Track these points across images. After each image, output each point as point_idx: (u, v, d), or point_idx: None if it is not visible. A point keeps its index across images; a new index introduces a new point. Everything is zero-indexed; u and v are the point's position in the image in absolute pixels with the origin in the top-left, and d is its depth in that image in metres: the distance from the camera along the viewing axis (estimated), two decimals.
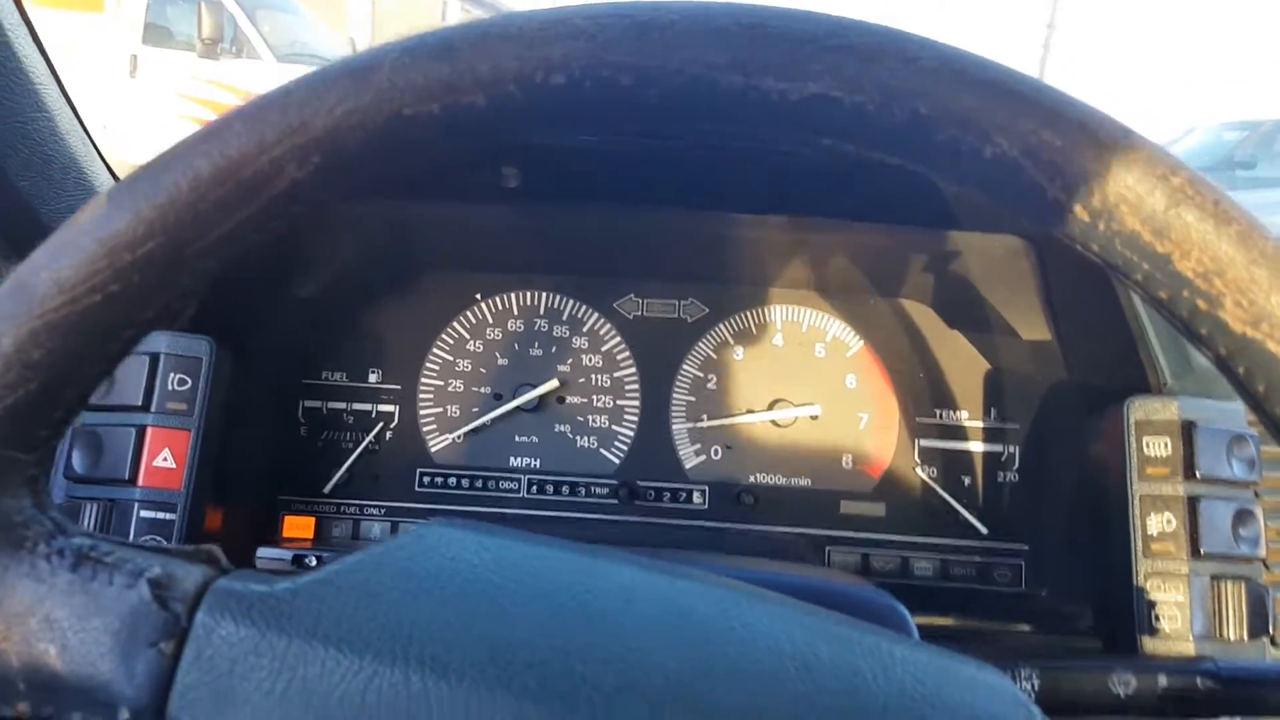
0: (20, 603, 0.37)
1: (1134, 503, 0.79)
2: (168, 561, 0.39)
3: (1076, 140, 0.36)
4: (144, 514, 0.80)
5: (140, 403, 0.81)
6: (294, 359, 1.06)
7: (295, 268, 0.97)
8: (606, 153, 0.83)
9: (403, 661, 0.37)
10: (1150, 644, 0.76)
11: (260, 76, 7.11)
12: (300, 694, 0.36)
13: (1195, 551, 0.78)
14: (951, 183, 0.39)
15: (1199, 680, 0.62)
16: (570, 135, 0.41)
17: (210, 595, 0.38)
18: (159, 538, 0.81)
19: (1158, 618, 0.78)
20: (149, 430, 0.81)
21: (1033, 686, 0.63)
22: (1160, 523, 0.78)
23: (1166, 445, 0.79)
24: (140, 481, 0.81)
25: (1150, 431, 0.80)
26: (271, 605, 0.38)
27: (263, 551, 0.95)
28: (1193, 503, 0.78)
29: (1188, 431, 0.79)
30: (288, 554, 0.95)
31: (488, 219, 1.00)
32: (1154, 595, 0.78)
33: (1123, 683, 0.63)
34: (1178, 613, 0.77)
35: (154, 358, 0.82)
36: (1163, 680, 0.62)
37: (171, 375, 0.82)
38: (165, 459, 0.81)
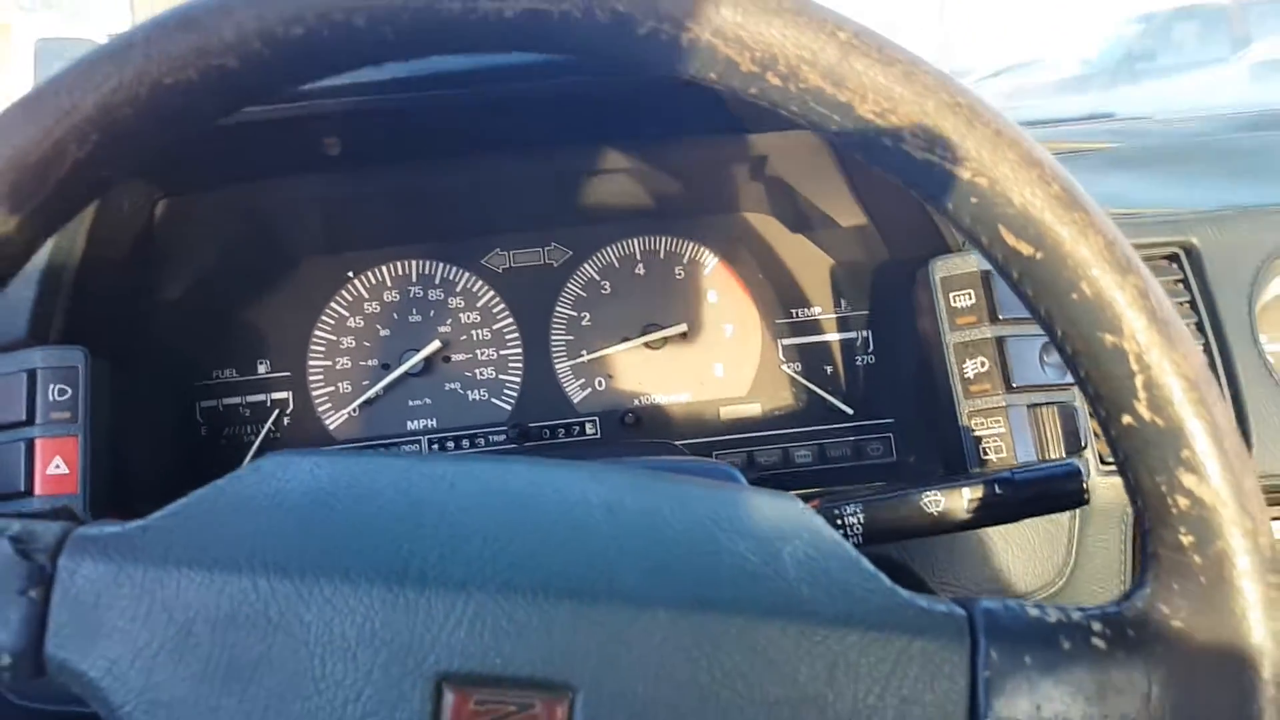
0: None
1: (949, 351, 0.88)
2: (28, 522, 0.44)
3: (755, 13, 0.42)
4: None
5: (25, 418, 0.85)
6: (178, 362, 1.10)
7: (158, 271, 1.01)
8: (414, 109, 0.88)
9: (248, 570, 0.42)
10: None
11: None
12: (161, 613, 0.42)
13: (1009, 386, 0.86)
14: (663, 74, 0.45)
15: (996, 488, 0.70)
16: (328, 78, 0.45)
17: (70, 543, 0.43)
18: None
19: (985, 450, 0.86)
20: (37, 442, 0.85)
21: (859, 520, 0.71)
22: (975, 366, 0.87)
23: (971, 296, 0.88)
24: (37, 491, 0.84)
25: (955, 286, 0.88)
26: (126, 542, 0.43)
27: None
28: (1000, 343, 0.86)
29: (986, 281, 0.87)
30: None
31: (333, 197, 1.05)
32: (979, 431, 0.86)
33: (933, 502, 0.70)
34: (1002, 443, 0.86)
35: (31, 374, 0.86)
36: (966, 494, 0.70)
37: (51, 387, 0.86)
38: (58, 466, 0.85)
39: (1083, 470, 0.70)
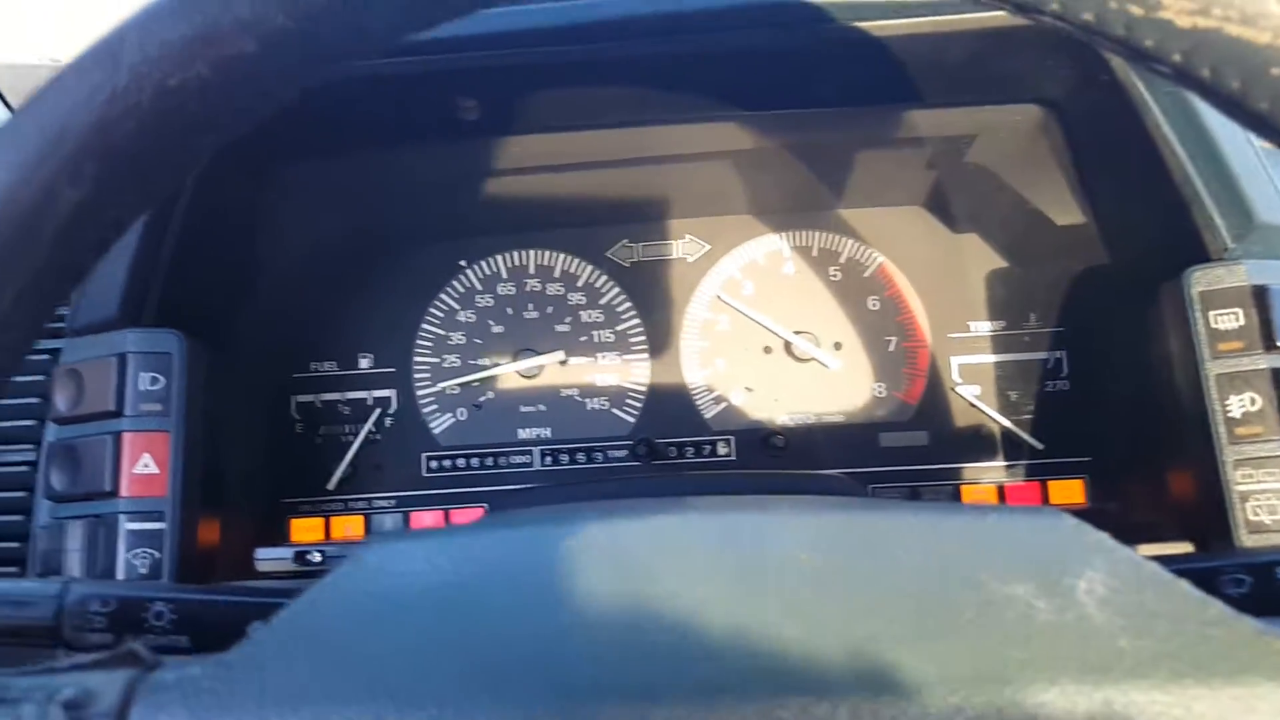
0: None
1: (1209, 385, 0.71)
2: (82, 676, 0.34)
3: None
4: (130, 526, 0.74)
5: (113, 408, 0.75)
6: (277, 351, 0.99)
7: (259, 248, 0.90)
8: (563, 67, 0.74)
9: (369, 702, 0.32)
10: (1251, 541, 0.68)
11: None
12: None
13: None
14: None
15: None
16: (363, 55, 0.34)
17: (140, 697, 0.33)
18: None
19: (1255, 510, 0.69)
20: (125, 436, 0.74)
21: None
22: (1243, 403, 0.70)
23: (1238, 316, 0.71)
24: (123, 492, 0.74)
25: (1217, 304, 0.71)
26: (210, 684, 0.33)
27: (262, 553, 0.88)
28: (1278, 375, 0.69)
29: (1260, 297, 0.70)
30: (289, 551, 0.87)
31: (456, 173, 0.92)
32: (1246, 486, 0.70)
33: (1234, 582, 0.54)
34: (1278, 502, 0.69)
35: (121, 358, 0.75)
36: None
37: (141, 375, 0.75)
38: (146, 465, 0.74)
39: None
